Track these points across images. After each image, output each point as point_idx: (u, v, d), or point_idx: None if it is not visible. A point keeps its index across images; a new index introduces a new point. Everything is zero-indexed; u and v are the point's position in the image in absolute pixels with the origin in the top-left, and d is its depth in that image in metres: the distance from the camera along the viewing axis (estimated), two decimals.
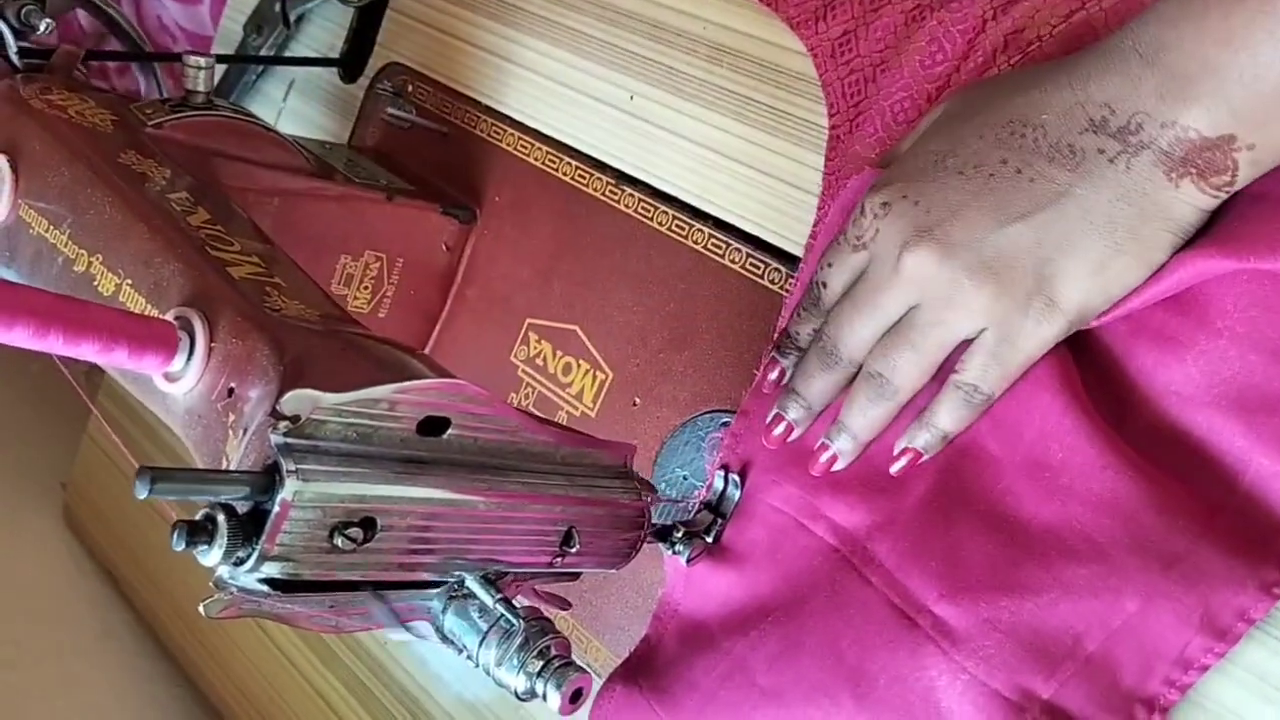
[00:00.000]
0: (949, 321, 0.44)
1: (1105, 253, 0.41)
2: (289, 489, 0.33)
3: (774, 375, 0.51)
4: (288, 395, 0.35)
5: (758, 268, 0.56)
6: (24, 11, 0.58)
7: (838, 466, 0.49)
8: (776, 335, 0.52)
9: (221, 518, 0.33)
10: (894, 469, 0.47)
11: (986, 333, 0.43)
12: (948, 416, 0.45)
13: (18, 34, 0.58)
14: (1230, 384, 0.42)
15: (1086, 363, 0.45)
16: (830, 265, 0.48)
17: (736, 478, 0.53)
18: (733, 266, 0.57)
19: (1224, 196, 0.40)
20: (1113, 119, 0.40)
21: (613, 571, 0.53)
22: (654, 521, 0.49)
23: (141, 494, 0.32)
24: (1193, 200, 0.40)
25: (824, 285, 0.48)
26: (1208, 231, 0.41)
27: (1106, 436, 0.43)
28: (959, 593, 0.44)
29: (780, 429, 0.50)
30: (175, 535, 0.33)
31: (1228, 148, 0.38)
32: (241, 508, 0.34)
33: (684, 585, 0.54)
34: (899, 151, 0.48)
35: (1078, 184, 0.41)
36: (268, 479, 0.34)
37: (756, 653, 0.49)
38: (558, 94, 0.68)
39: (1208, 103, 0.38)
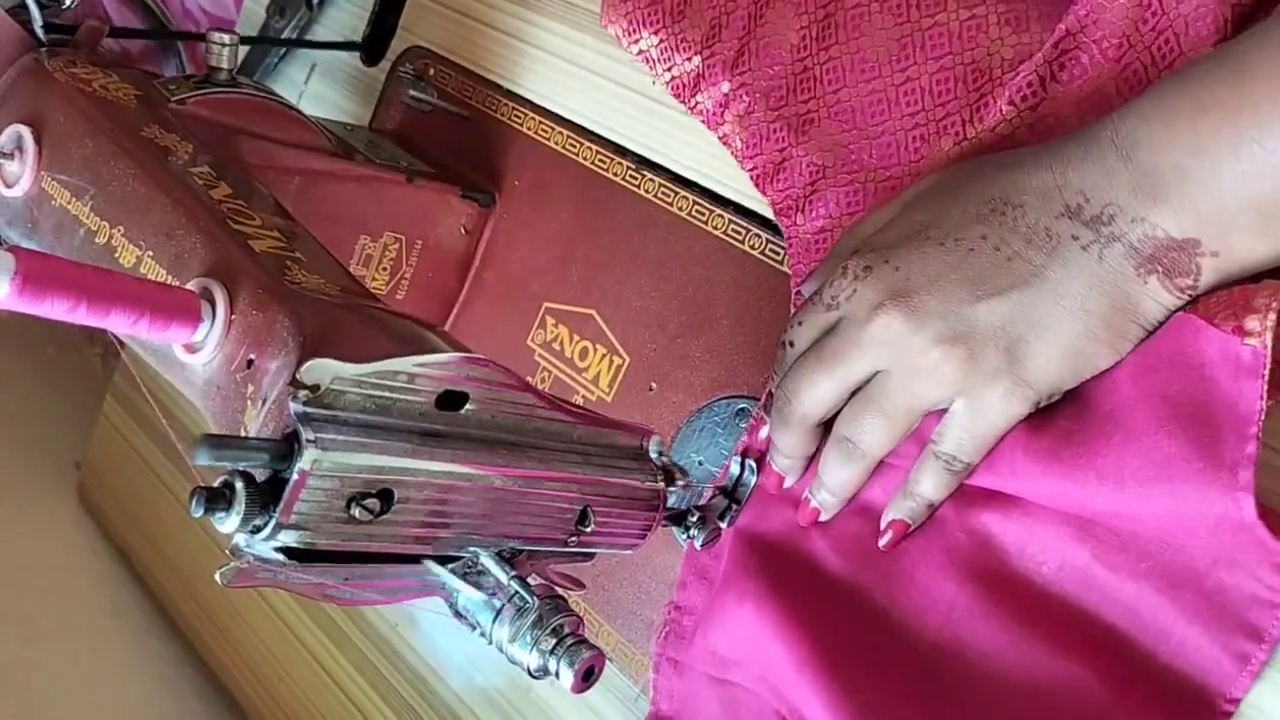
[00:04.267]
0: (916, 390, 0.44)
1: (1078, 338, 0.41)
2: (307, 458, 0.33)
3: (762, 434, 0.53)
4: (307, 365, 0.35)
5: (777, 254, 0.56)
6: None
7: (822, 518, 0.50)
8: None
9: (240, 485, 0.33)
10: (882, 543, 0.48)
11: (957, 403, 0.44)
12: (930, 485, 0.46)
13: (43, 8, 0.58)
14: (1155, 556, 0.41)
15: (1005, 531, 0.45)
16: (800, 324, 0.48)
17: (753, 463, 0.53)
18: (752, 252, 0.57)
19: (1187, 299, 0.40)
20: (1087, 207, 0.40)
21: (626, 554, 0.53)
22: (669, 505, 0.49)
23: (201, 461, 0.32)
24: (1158, 298, 0.40)
25: (790, 344, 0.49)
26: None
27: (1015, 617, 0.44)
28: None
29: (774, 477, 0.52)
30: (194, 501, 0.33)
31: (1192, 251, 0.39)
32: (260, 476, 0.34)
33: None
34: (881, 219, 0.49)
35: (1051, 267, 0.41)
36: (286, 447, 0.34)
37: None
38: (579, 78, 0.68)
39: (1175, 204, 0.38)
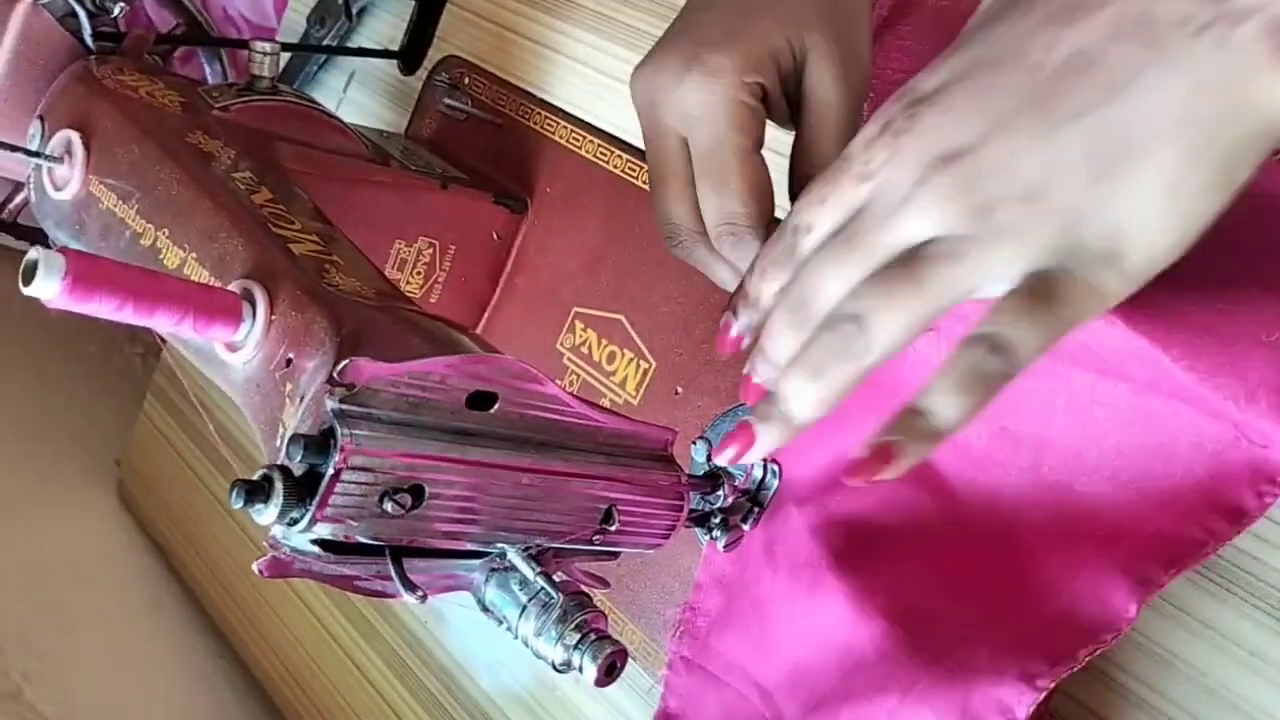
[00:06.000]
0: (971, 257, 0.32)
1: (1182, 162, 0.30)
2: (343, 453, 0.35)
3: (731, 334, 0.41)
4: (343, 364, 0.36)
5: None
6: None
7: (751, 456, 0.37)
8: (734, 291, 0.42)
9: (278, 478, 0.35)
10: (852, 480, 0.33)
11: (1023, 284, 0.32)
12: (952, 397, 0.32)
13: (92, 16, 0.60)
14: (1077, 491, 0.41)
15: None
16: (822, 202, 0.35)
17: (776, 467, 0.54)
18: None
19: None
20: None
21: (650, 553, 0.54)
22: (692, 507, 0.50)
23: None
24: None
25: (808, 229, 0.36)
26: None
27: (933, 536, 0.45)
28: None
29: (754, 390, 0.38)
30: (234, 493, 0.34)
31: None
32: (298, 470, 0.35)
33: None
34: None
35: (1149, 67, 0.30)
36: (323, 443, 0.35)
37: None
38: (610, 88, 0.69)
39: None
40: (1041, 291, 0.32)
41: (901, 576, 0.45)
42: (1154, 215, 0.31)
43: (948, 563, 0.44)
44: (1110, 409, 0.42)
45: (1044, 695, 0.40)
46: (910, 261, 0.33)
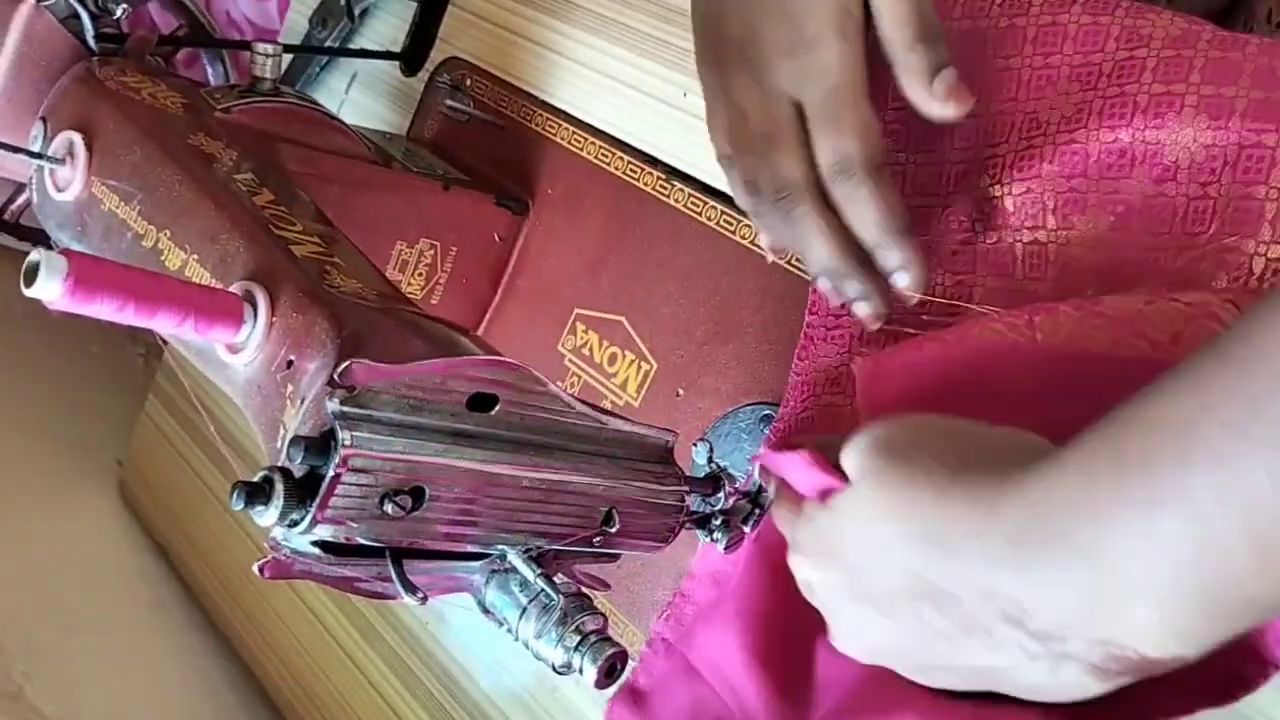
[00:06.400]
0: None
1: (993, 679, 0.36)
2: (343, 455, 0.35)
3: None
4: (344, 366, 0.36)
5: (803, 263, 0.57)
6: None
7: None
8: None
9: (279, 480, 0.35)
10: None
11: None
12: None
13: (94, 18, 0.60)
14: None
15: None
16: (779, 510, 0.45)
17: None
18: (779, 262, 0.58)
19: None
20: (1029, 621, 0.33)
21: (650, 556, 0.55)
22: (693, 509, 0.50)
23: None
24: (1118, 680, 0.33)
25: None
26: None
27: None
28: None
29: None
30: (235, 495, 0.35)
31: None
32: (298, 472, 0.35)
33: None
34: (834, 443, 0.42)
35: (996, 663, 0.35)
36: (324, 445, 0.35)
37: None
38: (612, 89, 0.69)
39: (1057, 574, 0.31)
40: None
41: None
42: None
43: None
44: None
45: None
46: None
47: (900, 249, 0.46)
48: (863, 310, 0.48)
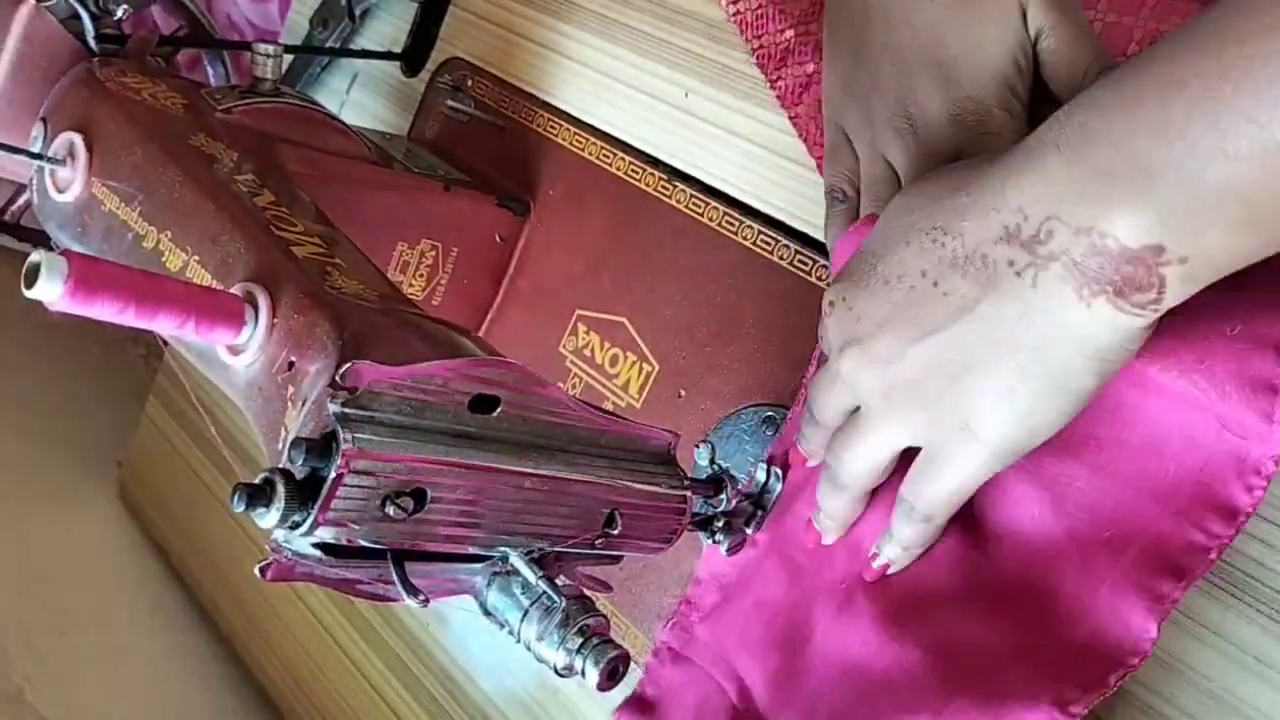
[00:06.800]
0: (878, 436, 0.44)
1: (1011, 378, 0.38)
2: (345, 457, 0.35)
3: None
4: (345, 367, 0.36)
5: (805, 264, 0.57)
6: None
7: (825, 542, 0.50)
8: None
9: (280, 482, 0.35)
10: (867, 576, 0.48)
11: (922, 451, 0.43)
12: (901, 533, 0.45)
13: (95, 19, 0.60)
14: (1082, 515, 0.43)
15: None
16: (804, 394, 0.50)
17: (779, 471, 0.54)
18: (781, 263, 0.58)
19: (1150, 316, 0.35)
20: (1024, 226, 0.36)
21: (653, 558, 0.54)
22: (695, 511, 0.50)
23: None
24: (1111, 321, 0.35)
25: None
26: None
27: (964, 583, 0.45)
28: None
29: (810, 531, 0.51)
30: (236, 496, 0.34)
31: (1153, 261, 0.33)
32: (299, 473, 0.35)
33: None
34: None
35: (984, 299, 0.37)
36: (325, 447, 0.35)
37: None
38: (613, 90, 0.69)
39: (1131, 205, 0.32)
40: (930, 459, 0.42)
41: (932, 604, 0.45)
42: (995, 414, 0.39)
43: (976, 591, 0.45)
44: (1106, 410, 0.43)
45: None
46: (850, 429, 0.45)
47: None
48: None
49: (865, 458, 0.45)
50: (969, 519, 0.46)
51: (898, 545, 0.46)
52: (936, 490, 0.42)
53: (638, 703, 0.57)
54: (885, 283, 0.42)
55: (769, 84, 0.59)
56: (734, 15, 0.60)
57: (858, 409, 0.45)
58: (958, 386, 0.39)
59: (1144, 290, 0.34)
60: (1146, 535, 0.41)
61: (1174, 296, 0.34)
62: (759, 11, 0.59)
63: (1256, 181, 0.30)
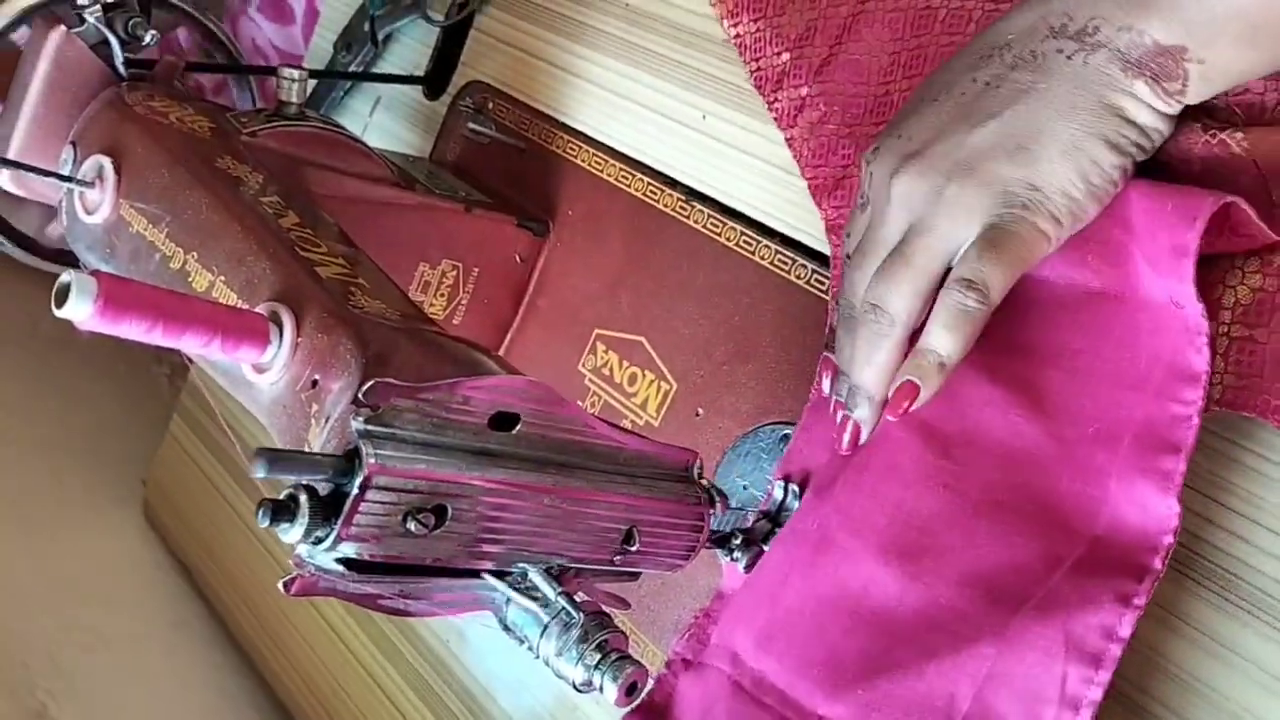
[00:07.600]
0: (937, 227, 0.44)
1: (1073, 134, 0.42)
2: (368, 473, 0.35)
3: (827, 380, 0.51)
4: (368, 385, 0.36)
5: (822, 284, 0.57)
6: (131, 24, 0.61)
7: (862, 438, 0.48)
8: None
9: (304, 498, 0.35)
10: (892, 414, 0.46)
11: (980, 236, 0.43)
12: (943, 333, 0.44)
13: (124, 44, 0.61)
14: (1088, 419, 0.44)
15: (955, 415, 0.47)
16: (848, 235, 0.50)
17: (796, 488, 0.54)
18: (797, 282, 0.59)
19: (1176, 106, 0.41)
20: (1071, 24, 0.42)
21: (670, 575, 0.55)
22: (713, 528, 0.50)
23: (260, 474, 0.34)
24: (1148, 99, 0.41)
25: (846, 254, 0.49)
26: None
27: (959, 508, 0.45)
28: (841, 690, 0.45)
29: (840, 424, 0.49)
30: (261, 512, 0.35)
31: (1180, 57, 0.40)
32: (323, 490, 0.36)
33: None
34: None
35: (1040, 80, 0.43)
36: (348, 463, 0.36)
37: None
38: (632, 112, 0.70)
39: (1162, 14, 0.40)
40: (995, 239, 0.43)
41: (949, 543, 0.45)
42: (1060, 172, 0.42)
43: (986, 516, 0.45)
44: (1079, 324, 0.46)
45: (1140, 613, 0.40)
46: (898, 248, 0.45)
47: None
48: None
49: (921, 273, 0.44)
50: (932, 433, 0.47)
51: (935, 355, 0.44)
52: (1005, 256, 0.43)
53: (646, 709, 0.57)
54: (933, 100, 0.46)
55: (766, 105, 0.60)
56: (734, 38, 0.62)
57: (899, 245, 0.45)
58: (1021, 155, 0.43)
59: (1172, 79, 0.41)
60: (1135, 422, 0.43)
61: (1194, 94, 0.41)
62: (756, 35, 0.60)
63: (1259, 6, 0.38)
